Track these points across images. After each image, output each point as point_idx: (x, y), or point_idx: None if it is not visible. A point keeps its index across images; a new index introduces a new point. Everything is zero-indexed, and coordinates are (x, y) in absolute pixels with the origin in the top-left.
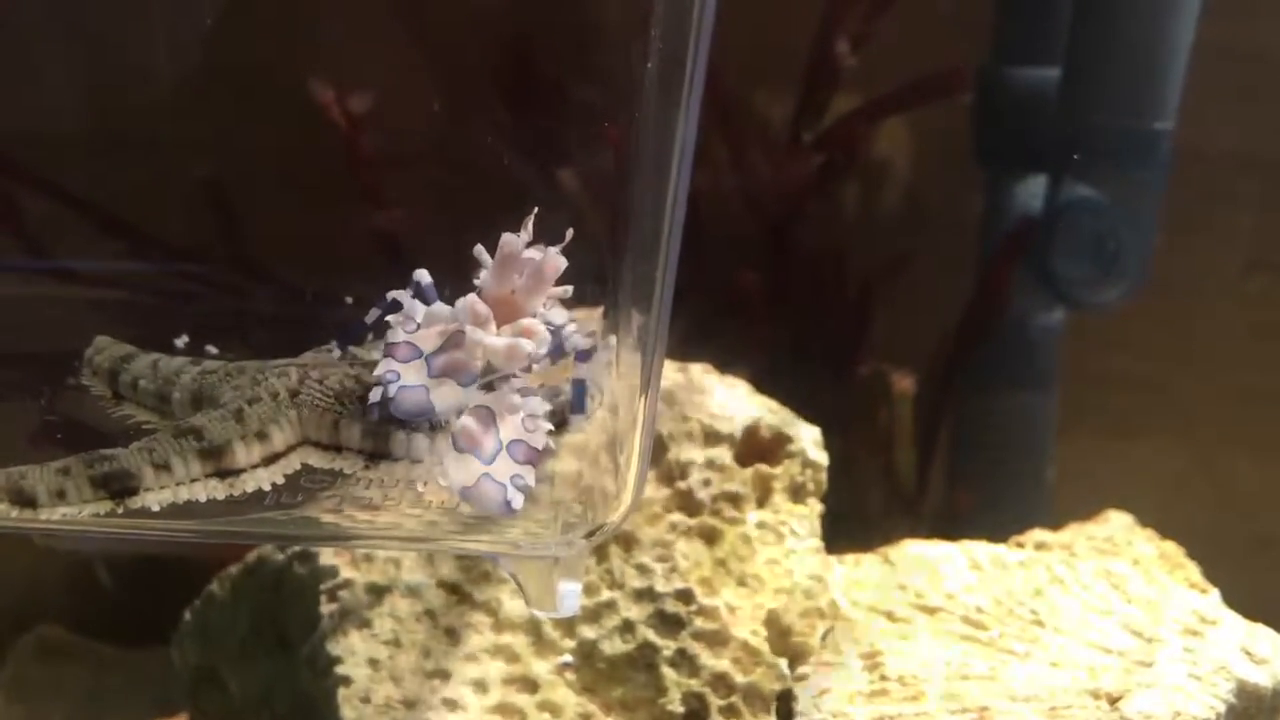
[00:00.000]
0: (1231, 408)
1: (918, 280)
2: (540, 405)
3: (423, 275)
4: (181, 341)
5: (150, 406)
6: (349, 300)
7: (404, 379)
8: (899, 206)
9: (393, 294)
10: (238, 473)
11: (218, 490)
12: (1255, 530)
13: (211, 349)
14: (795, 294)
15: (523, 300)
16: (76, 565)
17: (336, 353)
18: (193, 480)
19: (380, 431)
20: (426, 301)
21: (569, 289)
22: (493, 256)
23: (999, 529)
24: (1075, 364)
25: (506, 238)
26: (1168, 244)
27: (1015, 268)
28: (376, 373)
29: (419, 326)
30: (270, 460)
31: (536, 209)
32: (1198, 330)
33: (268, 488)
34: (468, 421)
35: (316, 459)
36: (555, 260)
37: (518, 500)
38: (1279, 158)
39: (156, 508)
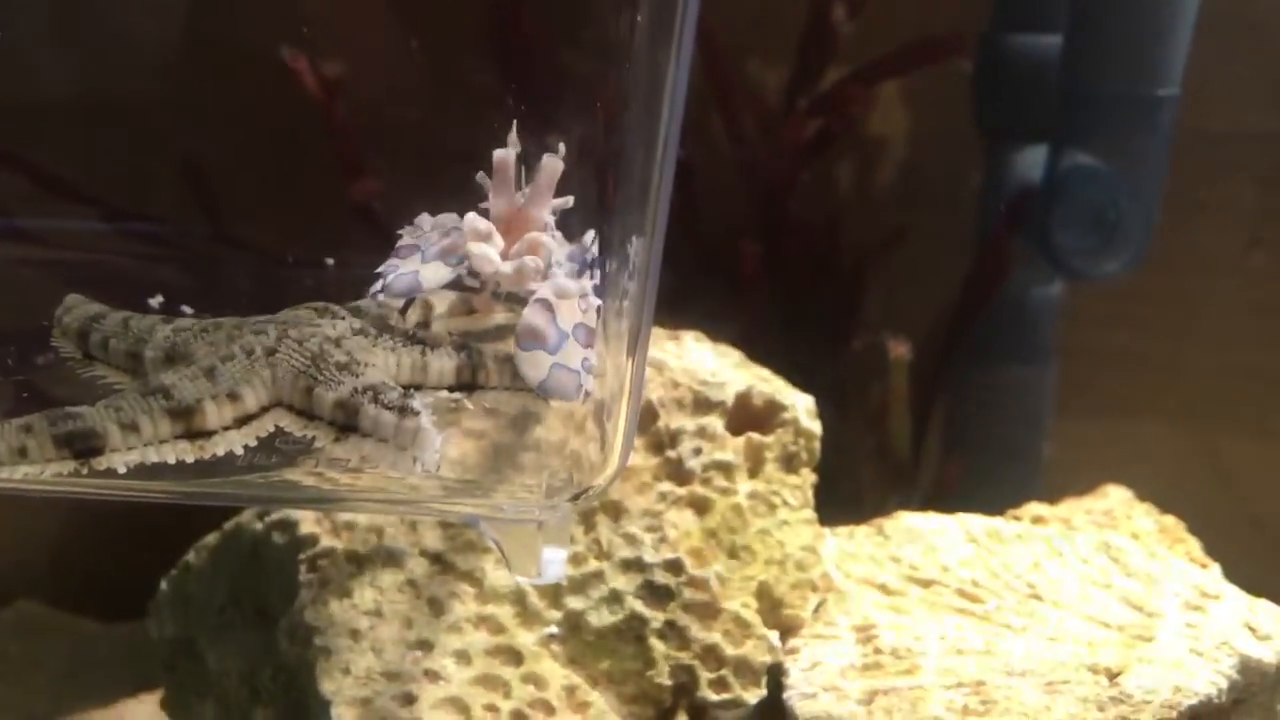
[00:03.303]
0: (1232, 386)
1: (914, 252)
2: (587, 285)
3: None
4: (156, 302)
5: (122, 366)
6: (330, 262)
7: (401, 269)
8: (896, 177)
9: None
10: (208, 434)
11: (187, 452)
12: (1254, 511)
13: (187, 310)
14: (790, 265)
15: (530, 212)
16: (57, 539)
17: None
18: (161, 441)
19: (352, 404)
20: None
21: (569, 199)
22: None
23: (992, 503)
24: (1073, 340)
25: (498, 153)
26: (1168, 220)
27: (1014, 238)
28: (380, 268)
29: (423, 233)
30: (242, 422)
31: (516, 120)
32: (1198, 307)
33: (240, 450)
34: (529, 317)
35: (289, 423)
36: (552, 164)
37: (590, 383)
38: None
39: (123, 469)
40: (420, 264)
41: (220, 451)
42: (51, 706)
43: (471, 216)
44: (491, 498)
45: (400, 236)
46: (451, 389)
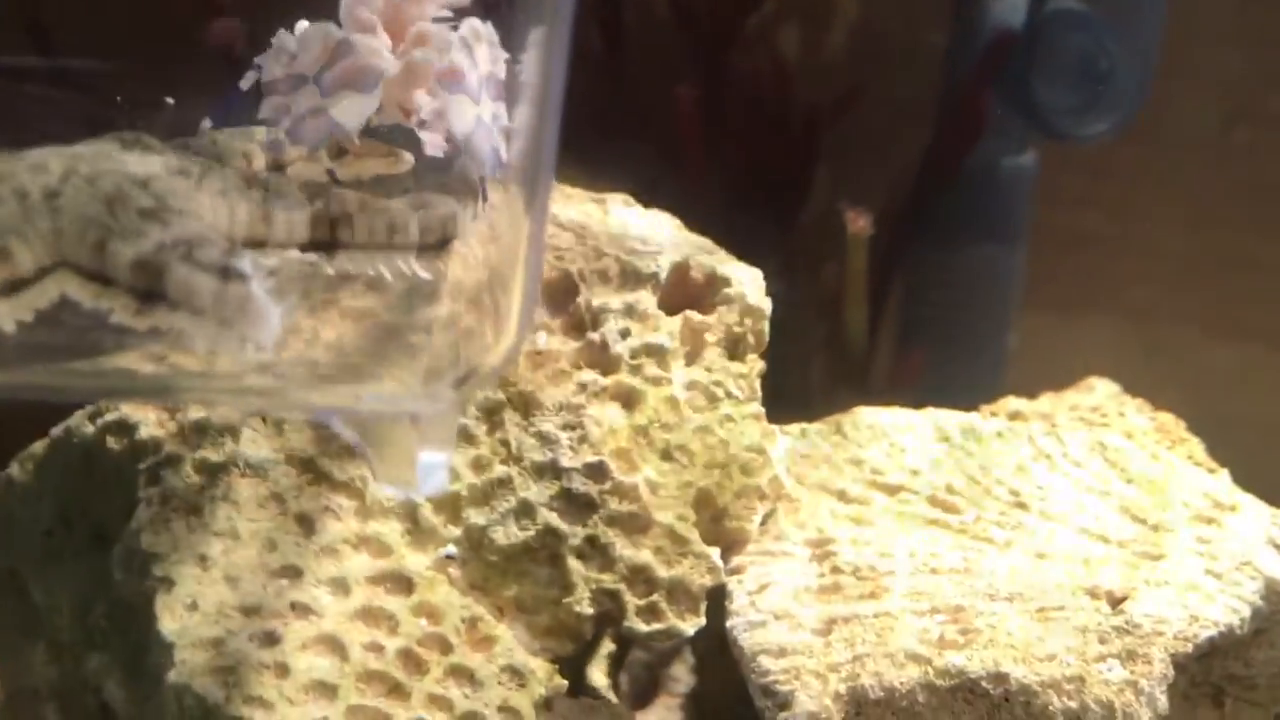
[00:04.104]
0: (1206, 276)
1: (873, 114)
2: (492, 31)
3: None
4: None
5: None
6: (169, 101)
7: (296, 109)
8: (853, 28)
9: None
10: None
11: None
12: (1229, 409)
13: None
14: (733, 126)
15: (412, 9)
16: None
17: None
18: None
19: (157, 263)
20: None
21: None
22: None
23: (954, 398)
24: (1037, 223)
25: None
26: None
27: (988, 94)
28: (260, 114)
29: (294, 58)
30: (13, 288)
31: None
32: (1173, 188)
33: (9, 326)
34: (455, 57)
35: (76, 290)
36: None
37: (505, 150)
38: None
39: None
40: (321, 98)
41: None
42: None
43: (351, 4)
44: (355, 384)
45: (259, 68)
46: (305, 248)
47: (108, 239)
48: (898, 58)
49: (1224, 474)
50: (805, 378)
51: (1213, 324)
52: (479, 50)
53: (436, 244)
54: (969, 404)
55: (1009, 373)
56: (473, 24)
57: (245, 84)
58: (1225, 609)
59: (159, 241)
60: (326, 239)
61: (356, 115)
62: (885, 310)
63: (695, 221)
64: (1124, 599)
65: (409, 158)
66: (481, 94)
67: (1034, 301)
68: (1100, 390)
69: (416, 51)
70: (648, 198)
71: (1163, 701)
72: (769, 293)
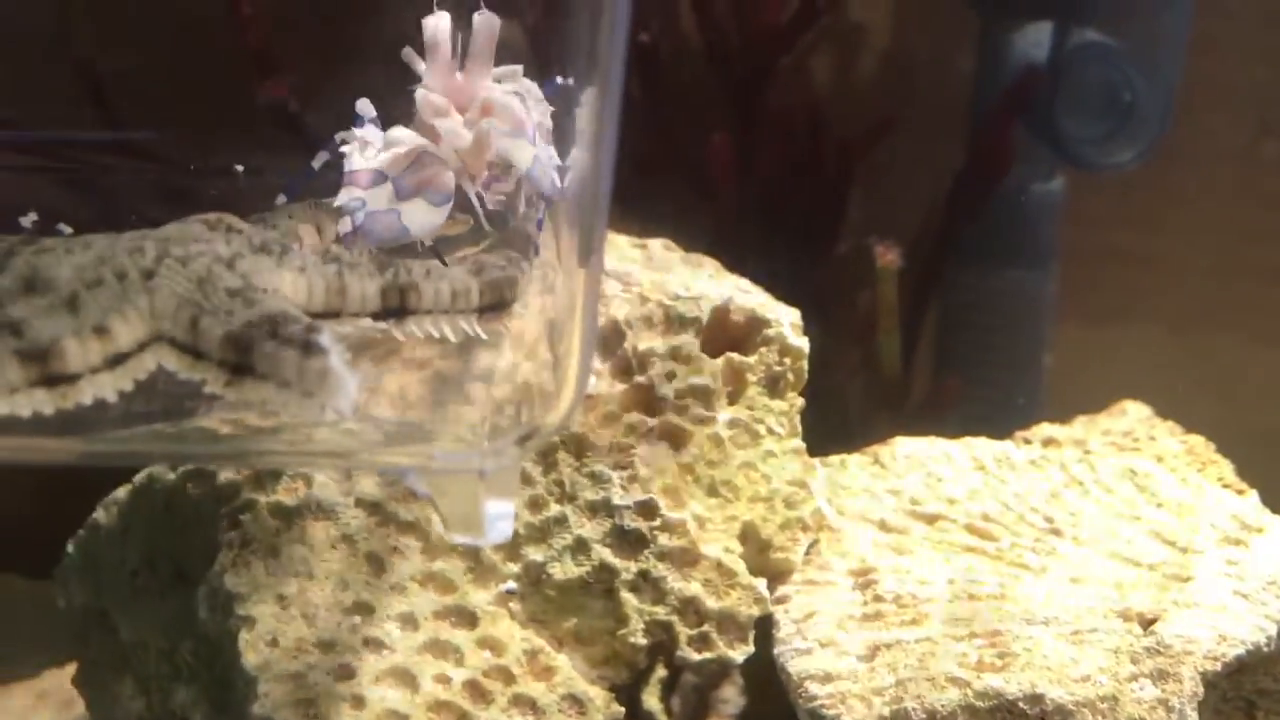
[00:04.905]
0: (1239, 287)
1: (903, 146)
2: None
3: (365, 107)
4: (29, 220)
5: None
6: (239, 169)
7: (371, 204)
8: (882, 63)
9: (341, 134)
10: (72, 378)
11: (45, 402)
12: (1264, 422)
13: (66, 229)
14: (766, 162)
15: (472, 84)
16: None
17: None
18: (12, 390)
19: (245, 339)
20: None
21: (517, 68)
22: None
23: (992, 422)
24: (1070, 240)
25: (428, 21)
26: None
27: (1014, 126)
28: (338, 202)
29: (379, 152)
30: (114, 362)
31: None
32: (1204, 202)
33: (113, 397)
34: (510, 104)
35: (173, 362)
36: (489, 23)
37: (559, 180)
38: None
39: None
40: (395, 200)
41: (87, 399)
42: None
43: (422, 92)
44: (425, 443)
45: (340, 150)
46: (376, 316)
47: (200, 316)
48: (926, 87)
49: (1252, 495)
50: (843, 406)
51: (1245, 335)
52: (529, 103)
53: (497, 306)
54: (1010, 426)
55: (1048, 386)
56: (524, 82)
57: (317, 163)
58: (1252, 628)
59: (246, 319)
60: (396, 306)
61: (424, 226)
62: (920, 337)
63: (731, 254)
64: (1155, 620)
65: (469, 220)
66: (535, 138)
67: (1070, 316)
68: (1132, 414)
69: (484, 121)
70: (684, 236)
71: (1193, 718)
72: (806, 326)
